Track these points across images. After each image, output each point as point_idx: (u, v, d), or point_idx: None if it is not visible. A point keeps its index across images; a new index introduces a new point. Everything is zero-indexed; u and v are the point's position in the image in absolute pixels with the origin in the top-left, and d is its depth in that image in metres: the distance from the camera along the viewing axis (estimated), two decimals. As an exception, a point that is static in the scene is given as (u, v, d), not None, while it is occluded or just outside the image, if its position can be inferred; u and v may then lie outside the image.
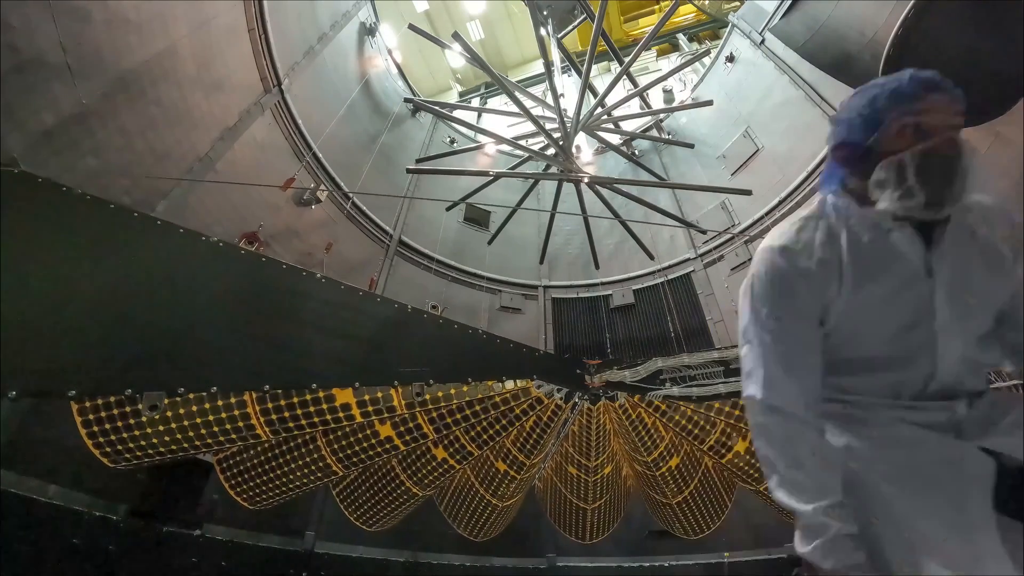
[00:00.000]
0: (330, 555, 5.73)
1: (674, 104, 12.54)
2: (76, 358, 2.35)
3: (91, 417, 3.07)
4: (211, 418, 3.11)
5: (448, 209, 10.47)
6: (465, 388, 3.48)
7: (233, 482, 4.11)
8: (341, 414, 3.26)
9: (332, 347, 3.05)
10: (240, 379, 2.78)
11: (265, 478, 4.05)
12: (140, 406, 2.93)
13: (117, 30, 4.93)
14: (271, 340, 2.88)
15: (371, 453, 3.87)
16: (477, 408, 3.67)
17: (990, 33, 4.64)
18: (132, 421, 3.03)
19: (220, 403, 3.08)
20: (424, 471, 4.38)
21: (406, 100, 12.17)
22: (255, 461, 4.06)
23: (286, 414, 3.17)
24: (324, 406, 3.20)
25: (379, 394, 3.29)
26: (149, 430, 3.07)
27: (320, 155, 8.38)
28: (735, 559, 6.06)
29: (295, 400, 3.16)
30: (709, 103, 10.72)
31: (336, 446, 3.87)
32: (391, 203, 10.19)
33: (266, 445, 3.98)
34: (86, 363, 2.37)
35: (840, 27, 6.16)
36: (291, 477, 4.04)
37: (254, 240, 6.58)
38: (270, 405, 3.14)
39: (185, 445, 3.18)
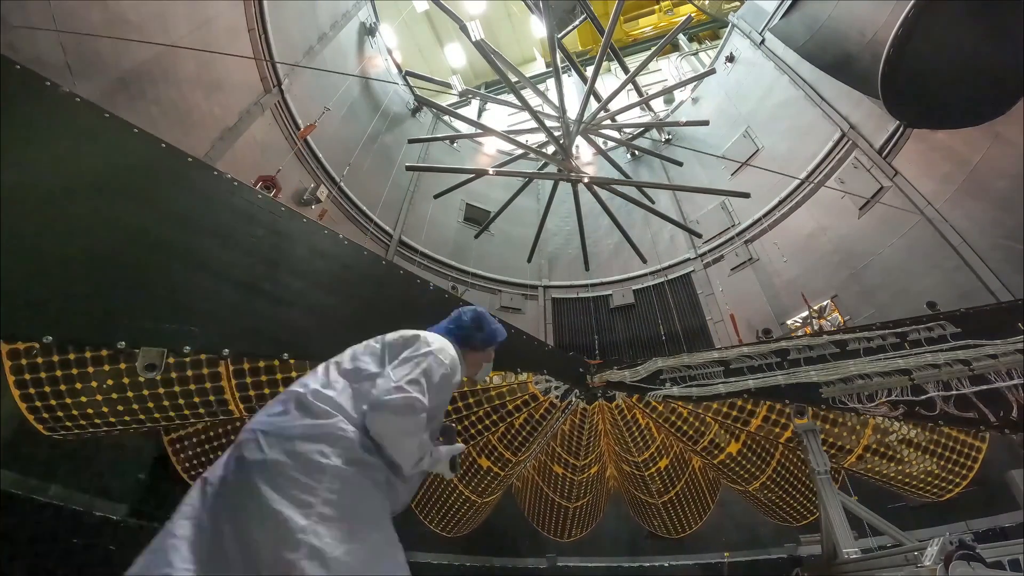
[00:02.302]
0: (330, 555, 5.72)
1: (674, 104, 12.56)
2: (58, 295, 1.89)
3: (27, 377, 2.40)
4: (177, 389, 2.53)
5: (436, 197, 10.44)
6: (465, 379, 3.35)
7: (187, 465, 3.64)
8: None
9: (356, 320, 2.72)
10: (257, 344, 2.36)
11: None
12: (128, 364, 2.34)
13: (117, 30, 4.92)
14: (291, 303, 2.49)
15: None
16: (471, 401, 3.49)
17: (990, 33, 4.65)
18: (79, 385, 2.42)
19: (190, 373, 2.53)
20: None
21: (408, 74, 12.04)
22: (215, 444, 3.58)
23: (266, 391, 2.67)
24: (311, 385, 2.86)
25: None
26: (99, 397, 2.48)
27: (320, 154, 8.38)
28: (734, 559, 6.06)
29: (278, 377, 2.69)
30: (705, 123, 10.77)
31: None
32: (391, 203, 10.19)
33: (228, 427, 3.55)
34: (71, 302, 1.91)
35: (840, 27, 6.16)
36: None
37: (271, 185, 5.97)
38: (248, 380, 2.64)
39: (142, 417, 2.60)
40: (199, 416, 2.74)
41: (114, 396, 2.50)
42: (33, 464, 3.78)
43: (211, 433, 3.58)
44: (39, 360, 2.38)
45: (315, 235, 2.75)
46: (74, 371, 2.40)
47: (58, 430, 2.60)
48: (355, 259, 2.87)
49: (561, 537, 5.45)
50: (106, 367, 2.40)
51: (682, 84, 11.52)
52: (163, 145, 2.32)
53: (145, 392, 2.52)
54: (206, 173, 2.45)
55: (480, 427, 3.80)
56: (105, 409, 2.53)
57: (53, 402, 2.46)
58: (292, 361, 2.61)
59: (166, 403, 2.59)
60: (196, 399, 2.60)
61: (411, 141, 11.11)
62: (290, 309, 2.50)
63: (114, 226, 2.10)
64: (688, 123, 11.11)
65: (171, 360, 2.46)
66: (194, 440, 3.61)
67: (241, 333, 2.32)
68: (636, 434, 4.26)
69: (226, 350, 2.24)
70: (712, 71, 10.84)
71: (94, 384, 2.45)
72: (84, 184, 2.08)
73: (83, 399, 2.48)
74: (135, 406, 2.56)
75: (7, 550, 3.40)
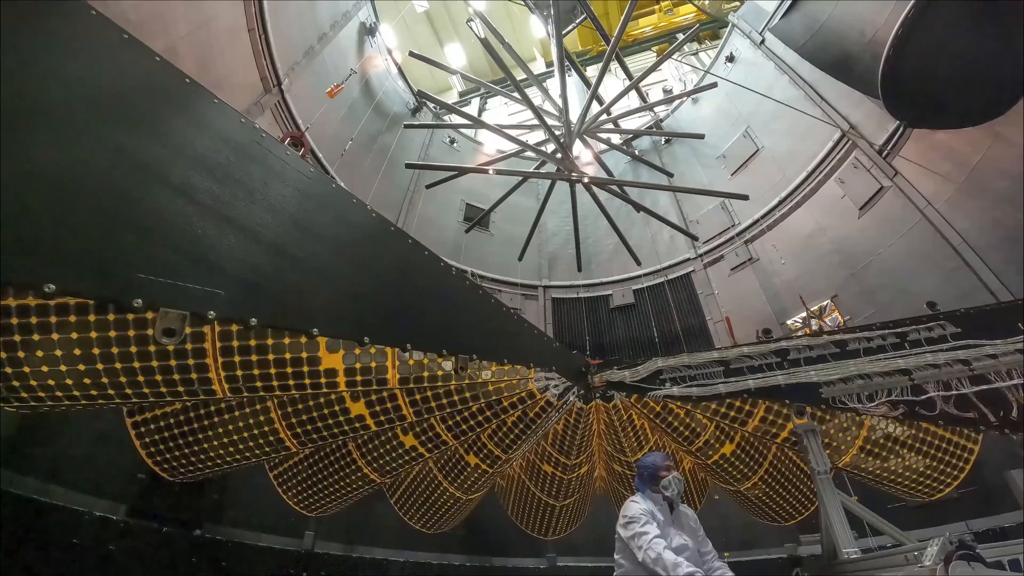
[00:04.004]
0: (330, 555, 5.73)
1: (674, 104, 12.56)
2: (68, 237, 1.60)
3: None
4: (155, 364, 2.15)
5: (428, 187, 10.44)
6: (467, 372, 3.14)
7: (152, 450, 3.35)
8: (323, 380, 2.57)
9: (385, 296, 2.53)
10: (285, 315, 2.10)
11: (196, 448, 3.28)
12: (150, 331, 1.99)
13: (117, 30, 4.92)
14: (320, 272, 2.23)
15: (336, 432, 3.33)
16: (467, 395, 3.33)
17: (990, 33, 4.65)
18: (40, 353, 2.04)
19: (171, 348, 2.13)
20: (387, 457, 3.93)
21: (411, 54, 11.80)
22: (185, 429, 3.27)
23: (255, 371, 2.37)
24: (305, 368, 2.47)
25: (372, 364, 2.68)
26: (64, 367, 2.07)
27: (320, 154, 8.38)
28: (734, 559, 6.06)
29: (270, 357, 2.37)
30: (701, 136, 10.81)
31: (295, 420, 3.23)
32: (392, 203, 10.19)
33: (201, 411, 3.27)
34: (77, 246, 1.62)
35: (840, 27, 6.17)
36: (230, 449, 3.33)
37: (299, 143, 5.67)
38: (237, 359, 2.29)
39: (111, 392, 2.22)
40: (177, 395, 2.36)
41: (81, 368, 2.09)
42: (33, 464, 3.79)
43: (181, 418, 3.24)
44: (-2, 323, 1.96)
45: (342, 201, 2.48)
46: (35, 336, 1.96)
47: (11, 401, 2.21)
48: (382, 232, 2.64)
49: (546, 535, 5.44)
50: (74, 335, 2.01)
51: (681, 95, 11.60)
52: (187, 80, 2.04)
53: (118, 365, 2.11)
54: (232, 117, 2.14)
55: (472, 423, 3.69)
56: (69, 381, 2.12)
57: (9, 370, 2.04)
58: (249, 344, 2.29)
59: (140, 379, 2.18)
60: (176, 376, 2.22)
61: (407, 126, 11.08)
62: (318, 279, 2.23)
63: (131, 161, 1.79)
64: (684, 134, 11.15)
65: (205, 329, 2.15)
66: (160, 424, 3.29)
67: (270, 300, 2.04)
68: (631, 434, 4.26)
69: (254, 319, 1.95)
70: (714, 84, 10.78)
71: (58, 352, 2.02)
72: (98, 110, 1.77)
73: (44, 368, 2.05)
74: (104, 379, 2.13)
75: (7, 550, 3.40)
